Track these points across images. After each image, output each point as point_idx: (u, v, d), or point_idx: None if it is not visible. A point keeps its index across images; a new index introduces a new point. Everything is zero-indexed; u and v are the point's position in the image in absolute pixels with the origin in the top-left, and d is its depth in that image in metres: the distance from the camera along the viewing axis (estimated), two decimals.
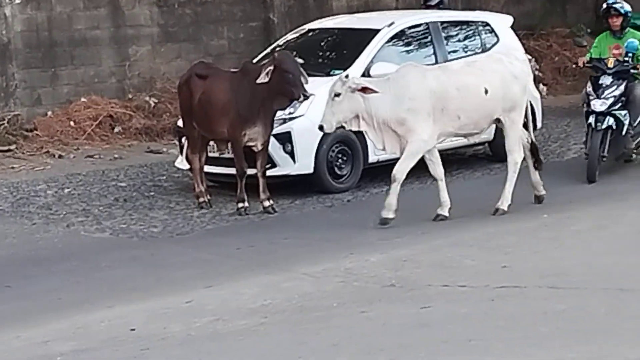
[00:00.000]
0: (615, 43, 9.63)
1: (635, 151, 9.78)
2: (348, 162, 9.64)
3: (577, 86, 12.86)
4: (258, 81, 8.63)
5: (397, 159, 9.61)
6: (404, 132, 8.17)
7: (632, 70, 9.46)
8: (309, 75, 8.96)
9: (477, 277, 6.78)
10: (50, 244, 8.40)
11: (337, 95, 8.04)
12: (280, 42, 10.95)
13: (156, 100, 12.46)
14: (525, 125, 8.66)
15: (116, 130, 12.00)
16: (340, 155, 9.63)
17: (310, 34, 10.78)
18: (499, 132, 10.12)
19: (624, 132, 9.43)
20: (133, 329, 6.21)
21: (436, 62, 9.90)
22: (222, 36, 13.29)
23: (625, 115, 9.41)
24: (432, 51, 10.22)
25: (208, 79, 9.21)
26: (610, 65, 9.41)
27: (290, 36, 10.97)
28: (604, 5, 9.73)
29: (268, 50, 10.83)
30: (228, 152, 9.36)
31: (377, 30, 10.12)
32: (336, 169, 9.64)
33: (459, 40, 10.54)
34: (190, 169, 9.48)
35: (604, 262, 7.03)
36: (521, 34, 12.57)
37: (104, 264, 7.72)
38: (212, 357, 5.74)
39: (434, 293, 6.54)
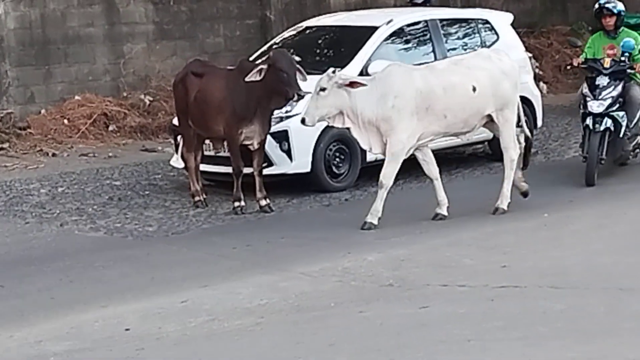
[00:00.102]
0: (610, 43, 9.46)
1: (632, 153, 9.61)
2: (346, 161, 9.60)
3: (578, 84, 12.79)
4: (247, 79, 8.58)
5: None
6: (386, 131, 8.12)
7: (628, 70, 9.29)
8: (308, 73, 8.90)
9: (476, 277, 6.75)
10: (44, 243, 8.36)
11: (323, 89, 8.03)
12: (277, 39, 10.90)
13: (151, 99, 12.42)
14: (518, 123, 8.60)
15: (111, 128, 11.95)
16: (337, 154, 9.59)
17: (307, 31, 10.74)
18: None
19: (621, 134, 9.26)
20: (127, 329, 6.18)
21: (435, 60, 9.84)
22: (218, 34, 13.25)
23: (622, 116, 9.23)
24: (431, 49, 10.18)
25: (204, 77, 9.16)
26: (607, 65, 9.23)
27: (287, 34, 10.93)
28: (597, 5, 9.55)
29: (265, 48, 10.78)
30: (223, 151, 9.31)
31: (375, 28, 10.08)
32: (334, 167, 9.60)
33: (458, 38, 10.50)
34: (185, 168, 9.43)
35: (604, 261, 7.01)
36: (521, 32, 12.55)
37: (98, 263, 7.68)
38: (207, 357, 5.70)
39: (432, 293, 6.51)
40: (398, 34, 10.16)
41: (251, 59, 10.09)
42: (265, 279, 7.05)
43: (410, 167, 9.03)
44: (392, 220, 8.28)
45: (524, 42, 11.40)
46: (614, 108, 9.18)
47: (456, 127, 8.39)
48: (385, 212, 8.27)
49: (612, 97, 9.17)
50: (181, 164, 9.62)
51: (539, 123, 10.97)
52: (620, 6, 9.46)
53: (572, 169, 9.53)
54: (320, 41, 10.56)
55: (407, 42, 10.24)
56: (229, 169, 9.11)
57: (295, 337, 5.88)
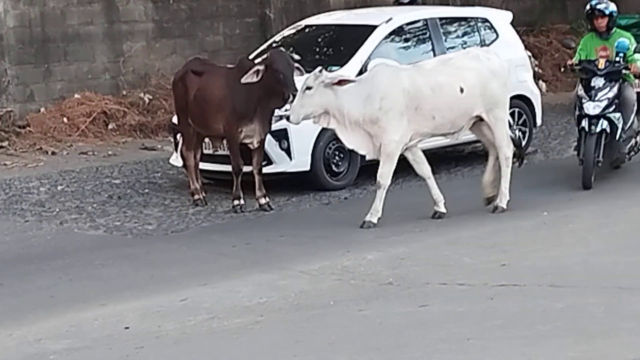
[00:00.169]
0: (602, 45, 9.25)
1: (627, 156, 9.43)
2: (345, 159, 9.59)
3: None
4: (243, 80, 8.57)
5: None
6: (376, 132, 8.11)
7: (623, 71, 9.10)
8: (307, 72, 8.88)
9: (475, 276, 6.75)
10: (43, 241, 8.35)
11: (309, 88, 8.01)
12: (277, 38, 10.90)
13: (151, 97, 12.41)
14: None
15: (110, 127, 11.95)
16: (337, 152, 9.58)
17: (307, 30, 10.73)
18: None
19: (617, 136, 9.08)
20: (127, 327, 6.17)
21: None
22: (217, 32, 13.24)
23: (619, 118, 9.05)
24: (430, 47, 10.17)
25: (204, 75, 9.15)
26: (601, 66, 9.02)
27: (287, 32, 10.92)
28: (588, 7, 9.34)
29: (264, 46, 10.78)
30: (222, 149, 9.31)
31: (375, 27, 10.07)
32: (333, 166, 9.59)
33: (457, 37, 10.49)
34: (184, 166, 9.42)
35: (603, 260, 7.01)
36: (521, 30, 12.54)
37: (97, 261, 7.67)
38: (207, 356, 5.70)
39: (432, 291, 6.51)
40: (397, 32, 10.15)
41: (251, 57, 10.08)
42: (264, 277, 7.05)
43: (410, 166, 9.01)
44: (391, 219, 8.27)
45: (523, 41, 11.38)
46: (610, 109, 8.99)
47: (444, 128, 8.34)
48: (384, 211, 8.27)
49: (608, 98, 8.99)
50: (180, 163, 9.62)
51: (539, 122, 10.96)
52: (612, 7, 9.25)
53: (572, 167, 9.51)
54: (319, 40, 10.55)
55: (406, 40, 10.23)
56: (228, 168, 9.10)
57: (294, 335, 5.88)
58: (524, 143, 10.78)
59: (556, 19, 15.49)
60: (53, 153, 11.27)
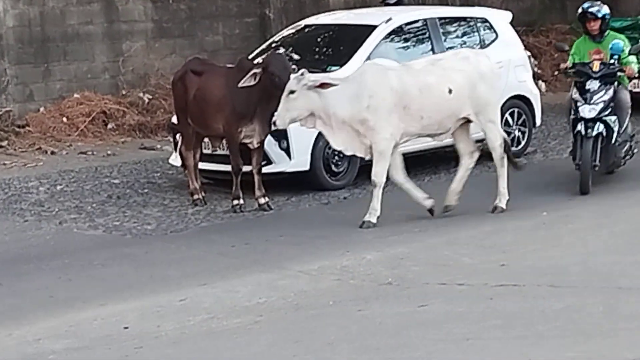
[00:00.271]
0: (596, 48, 9.10)
1: (622, 160, 9.25)
2: (345, 159, 9.58)
3: None
4: (241, 84, 8.57)
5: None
6: (366, 131, 8.10)
7: (618, 73, 8.94)
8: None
9: (474, 276, 6.74)
10: (42, 241, 8.35)
11: (292, 92, 8.01)
12: (277, 38, 10.89)
13: (150, 97, 12.41)
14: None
15: (109, 126, 11.94)
16: (336, 152, 9.56)
17: (306, 30, 10.72)
18: None
19: (613, 140, 8.92)
20: (126, 327, 6.17)
21: None
22: (217, 32, 13.24)
23: (615, 121, 8.90)
24: (429, 47, 10.17)
25: (203, 75, 9.15)
26: (596, 69, 8.85)
27: (286, 32, 10.92)
28: (579, 10, 9.20)
29: (264, 46, 10.77)
30: (222, 149, 9.30)
31: (375, 27, 10.07)
32: (332, 166, 9.59)
33: (457, 37, 10.49)
34: (184, 166, 9.42)
35: (603, 260, 7.00)
36: (520, 30, 12.53)
37: (96, 261, 7.67)
38: (206, 356, 5.69)
39: (431, 291, 6.51)
40: (397, 32, 10.15)
41: (250, 57, 10.08)
42: (264, 277, 7.04)
43: (409, 166, 9.00)
44: (390, 219, 8.27)
45: (523, 41, 11.38)
46: (606, 112, 8.83)
47: (431, 129, 8.31)
48: (383, 211, 8.27)
49: (604, 101, 8.83)
50: (180, 162, 9.61)
51: (538, 122, 10.96)
52: (605, 10, 9.11)
53: (571, 168, 9.48)
54: (319, 39, 10.54)
55: (406, 40, 10.23)
56: (228, 167, 9.10)
57: (293, 335, 5.88)
58: (523, 143, 10.81)
59: (556, 19, 15.48)
60: (52, 153, 11.26)
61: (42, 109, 11.93)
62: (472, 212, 8.45)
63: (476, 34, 10.59)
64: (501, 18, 10.92)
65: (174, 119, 9.78)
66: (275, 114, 8.09)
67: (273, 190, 9.25)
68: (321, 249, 7.68)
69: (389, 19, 10.15)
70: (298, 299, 6.53)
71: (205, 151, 9.51)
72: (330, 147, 9.53)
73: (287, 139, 9.35)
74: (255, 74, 8.58)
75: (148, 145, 11.70)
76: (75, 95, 12.08)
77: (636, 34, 11.96)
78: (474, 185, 9.03)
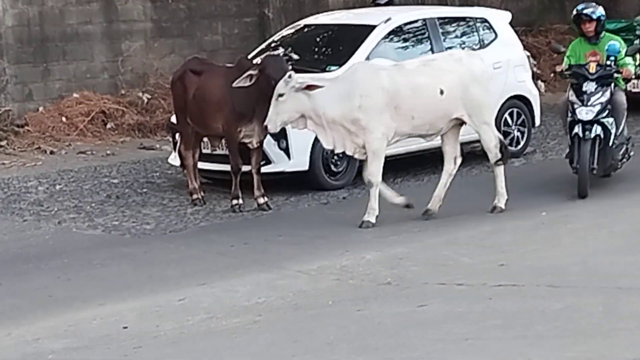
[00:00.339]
0: (592, 50, 9.02)
1: (619, 163, 9.15)
2: (344, 159, 9.57)
3: None
4: (235, 84, 8.56)
5: (394, 155, 9.57)
6: (358, 131, 8.09)
7: (615, 75, 8.83)
8: (305, 71, 8.87)
9: (474, 276, 6.74)
10: (42, 240, 8.34)
11: (281, 95, 8.01)
12: (276, 37, 10.89)
13: (149, 96, 12.41)
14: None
15: (109, 126, 11.94)
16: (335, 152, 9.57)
17: (306, 29, 10.72)
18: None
19: (610, 142, 8.82)
20: (125, 327, 6.16)
21: None
22: (216, 32, 13.24)
23: (612, 123, 8.80)
24: (429, 47, 10.17)
25: (203, 75, 9.14)
26: (592, 70, 8.76)
27: (285, 32, 10.92)
28: (574, 12, 9.10)
29: (263, 46, 10.77)
30: (221, 149, 9.30)
31: (374, 27, 10.06)
32: (332, 165, 9.59)
33: (456, 37, 10.49)
34: (183, 165, 9.41)
35: (602, 260, 7.00)
36: (519, 30, 12.53)
37: (95, 261, 7.66)
38: (205, 356, 5.69)
39: (430, 291, 6.50)
40: (396, 32, 10.15)
41: (250, 57, 10.08)
42: (263, 277, 7.04)
43: (408, 165, 9.03)
44: (390, 219, 8.27)
45: (522, 41, 11.38)
46: (604, 114, 8.74)
47: (422, 129, 8.29)
48: (383, 211, 8.27)
49: (601, 103, 8.73)
50: (179, 162, 9.60)
51: (537, 122, 10.97)
52: (600, 11, 9.00)
53: (570, 167, 9.49)
54: (318, 39, 10.54)
55: (405, 40, 10.23)
56: (227, 167, 9.10)
57: (292, 335, 5.87)
58: (522, 143, 10.82)
59: (555, 19, 15.48)
60: (51, 152, 11.26)
61: (41, 109, 11.92)
62: (471, 212, 8.45)
63: (475, 34, 10.59)
64: (500, 18, 10.92)
65: (173, 119, 9.78)
66: (267, 118, 8.09)
67: (272, 190, 9.25)
68: (320, 249, 7.68)
69: (388, 19, 10.15)
70: (297, 298, 6.53)
71: (204, 151, 9.51)
72: None
73: (286, 139, 9.35)
74: (250, 75, 8.58)
75: (147, 144, 11.69)
76: (75, 95, 12.07)
77: (631, 35, 11.93)
78: (473, 185, 9.04)
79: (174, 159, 9.82)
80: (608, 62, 8.85)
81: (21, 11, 11.96)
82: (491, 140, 8.44)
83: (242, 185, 8.97)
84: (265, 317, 6.21)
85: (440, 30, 10.35)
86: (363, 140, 8.11)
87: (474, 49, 10.25)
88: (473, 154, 10.80)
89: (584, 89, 8.78)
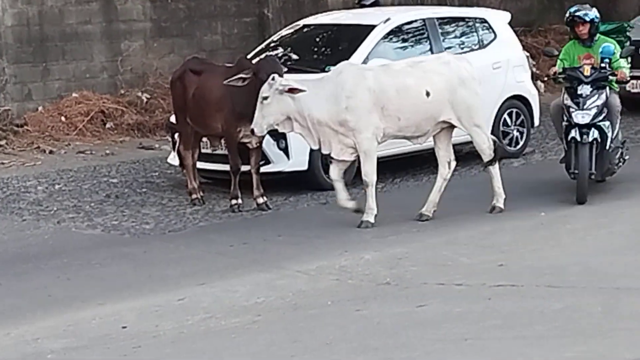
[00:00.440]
0: (586, 52, 8.89)
1: (616, 167, 9.04)
2: None
3: None
4: (225, 82, 8.55)
5: (393, 156, 9.58)
6: (347, 132, 8.08)
7: (610, 77, 8.71)
8: (304, 71, 8.86)
9: (473, 276, 6.74)
10: (41, 240, 8.34)
11: (265, 98, 8.01)
12: (275, 37, 10.89)
13: (149, 96, 12.41)
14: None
15: (108, 126, 11.94)
16: None
17: (305, 29, 10.72)
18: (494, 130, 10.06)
19: (607, 146, 8.70)
20: (124, 327, 6.16)
21: None
22: (215, 31, 13.24)
23: (608, 126, 8.67)
24: (428, 47, 10.17)
25: (202, 75, 9.15)
26: (587, 73, 8.63)
27: (284, 32, 10.91)
28: (567, 14, 8.97)
29: (262, 45, 10.77)
30: (221, 148, 9.30)
31: (373, 27, 10.06)
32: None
33: (455, 37, 10.49)
34: (182, 165, 9.41)
35: (601, 260, 7.01)
36: (519, 31, 12.54)
37: (95, 261, 7.66)
38: (204, 355, 5.69)
39: (430, 291, 6.51)
40: (395, 32, 10.14)
41: (249, 56, 10.08)
42: (262, 277, 7.04)
43: (407, 165, 9.03)
44: (389, 219, 8.27)
45: (521, 41, 11.39)
46: (600, 118, 8.61)
47: (409, 131, 8.26)
48: (382, 211, 8.27)
49: (597, 106, 8.59)
50: (178, 162, 9.60)
51: (536, 122, 10.97)
52: (593, 13, 8.87)
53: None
54: (317, 39, 10.54)
55: (404, 40, 10.23)
56: (226, 167, 9.09)
57: (292, 335, 5.88)
58: (521, 143, 10.82)
59: (554, 19, 15.49)
60: (51, 152, 11.26)
61: (40, 108, 11.92)
62: (470, 212, 8.45)
63: (475, 34, 10.60)
64: (500, 18, 10.92)
65: (173, 119, 9.78)
66: (253, 121, 8.08)
67: (271, 190, 9.25)
68: (319, 249, 7.68)
69: (388, 19, 10.15)
70: (296, 298, 6.53)
71: (203, 151, 9.51)
72: None
73: (285, 138, 9.34)
74: (242, 78, 8.57)
75: (146, 144, 11.69)
76: (74, 95, 12.07)
77: (621, 37, 11.90)
78: (472, 185, 9.04)
79: (173, 159, 9.82)
80: (603, 65, 8.74)
81: (20, 11, 11.96)
82: (484, 142, 8.43)
83: (242, 185, 8.97)
84: (265, 317, 6.21)
85: (440, 31, 10.35)
86: (352, 140, 8.11)
87: (473, 49, 10.26)
88: (472, 154, 10.81)
89: (579, 92, 8.65)
